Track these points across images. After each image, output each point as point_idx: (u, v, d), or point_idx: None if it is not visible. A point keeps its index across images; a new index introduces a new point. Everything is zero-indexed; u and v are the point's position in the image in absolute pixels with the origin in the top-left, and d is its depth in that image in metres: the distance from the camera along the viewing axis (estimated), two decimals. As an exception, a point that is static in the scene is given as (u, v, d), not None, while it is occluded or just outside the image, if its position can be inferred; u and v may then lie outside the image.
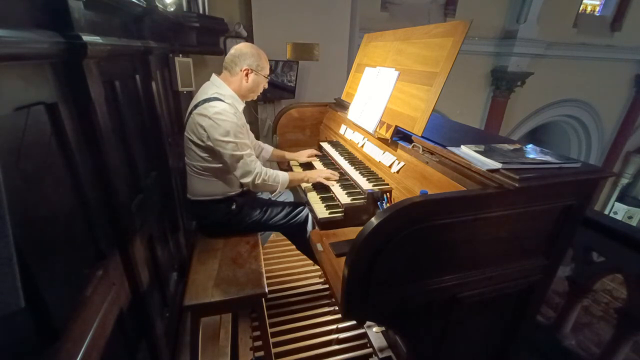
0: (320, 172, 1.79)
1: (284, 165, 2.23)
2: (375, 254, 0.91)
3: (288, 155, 2.13)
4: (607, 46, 6.75)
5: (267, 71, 1.71)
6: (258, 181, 1.63)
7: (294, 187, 1.83)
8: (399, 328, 1.19)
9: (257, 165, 1.64)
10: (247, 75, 1.64)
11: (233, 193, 1.75)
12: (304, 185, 1.82)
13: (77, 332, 0.68)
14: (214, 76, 1.69)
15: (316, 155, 2.09)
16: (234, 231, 1.78)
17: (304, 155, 2.07)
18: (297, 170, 2.02)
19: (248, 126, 1.84)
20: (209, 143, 1.56)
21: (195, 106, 1.57)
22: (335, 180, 1.72)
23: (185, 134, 1.63)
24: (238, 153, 1.56)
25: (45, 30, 0.65)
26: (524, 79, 6.13)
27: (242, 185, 1.77)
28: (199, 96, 1.62)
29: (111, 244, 0.91)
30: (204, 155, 1.61)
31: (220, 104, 1.54)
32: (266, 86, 1.79)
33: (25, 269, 0.52)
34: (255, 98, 1.79)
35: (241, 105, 1.71)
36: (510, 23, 5.91)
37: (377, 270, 0.94)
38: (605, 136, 7.90)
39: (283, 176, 1.72)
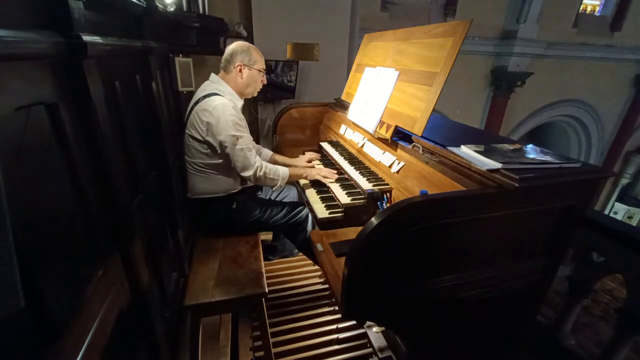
0: (320, 170, 1.81)
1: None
2: (375, 254, 0.91)
3: (287, 161, 2.11)
4: (607, 46, 6.76)
5: (260, 65, 1.74)
6: (260, 173, 1.65)
7: (293, 181, 1.85)
8: (399, 328, 1.19)
9: (257, 159, 1.67)
10: (240, 71, 1.68)
11: (234, 191, 1.76)
12: (302, 183, 1.82)
13: (77, 332, 0.68)
14: (213, 75, 1.74)
15: (317, 158, 2.08)
16: (234, 231, 1.78)
17: (302, 161, 2.05)
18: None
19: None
20: (209, 138, 1.58)
21: (196, 102, 1.61)
22: (333, 180, 1.72)
23: (186, 131, 1.65)
24: (238, 146, 1.58)
25: (45, 30, 0.65)
26: (524, 79, 6.14)
27: (242, 182, 1.78)
28: (199, 93, 1.66)
29: (111, 244, 0.91)
30: (205, 151, 1.63)
31: (220, 98, 1.59)
32: (265, 81, 1.81)
33: (25, 269, 0.52)
34: (255, 94, 1.81)
35: (240, 102, 1.74)
36: (510, 23, 5.91)
37: (377, 270, 0.94)
38: (605, 136, 7.90)
39: (283, 170, 1.74)
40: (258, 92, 1.83)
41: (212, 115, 1.54)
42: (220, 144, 1.57)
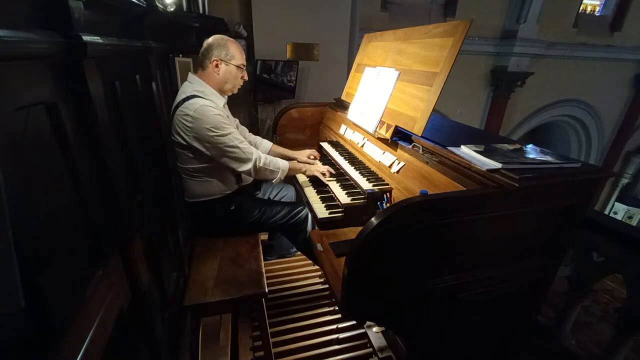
0: (318, 166, 1.80)
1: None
2: (375, 254, 0.91)
3: (289, 153, 2.09)
4: (607, 46, 6.75)
5: (239, 60, 1.64)
6: (260, 164, 1.61)
7: (292, 176, 1.83)
8: (399, 328, 1.19)
9: (253, 150, 1.63)
10: (217, 66, 1.60)
11: (230, 191, 1.74)
12: (301, 181, 1.82)
13: (77, 332, 0.68)
14: (190, 75, 1.66)
15: (317, 157, 2.07)
16: (234, 231, 1.77)
17: (304, 155, 2.04)
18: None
19: (238, 121, 1.81)
20: (195, 144, 1.53)
21: (176, 107, 1.55)
22: (331, 177, 1.72)
23: (172, 137, 1.60)
24: (231, 143, 1.54)
25: (45, 30, 0.65)
26: (524, 79, 6.13)
27: (238, 181, 1.76)
28: (179, 96, 1.59)
29: (111, 244, 0.91)
30: (191, 156, 1.59)
31: (200, 100, 1.52)
32: (245, 77, 1.72)
33: (25, 269, 0.52)
34: (234, 91, 1.73)
35: (221, 101, 1.67)
36: (510, 23, 5.91)
37: (377, 271, 0.94)
38: (605, 136, 7.90)
39: (283, 163, 1.71)
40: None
41: (195, 120, 1.48)
42: (211, 146, 1.53)
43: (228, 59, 1.61)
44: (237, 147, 1.56)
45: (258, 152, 1.65)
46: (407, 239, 0.92)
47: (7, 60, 0.53)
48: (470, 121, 5.93)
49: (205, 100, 1.54)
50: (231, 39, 1.65)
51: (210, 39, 1.62)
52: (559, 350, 1.67)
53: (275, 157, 2.12)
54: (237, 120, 1.80)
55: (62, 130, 0.70)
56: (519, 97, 6.46)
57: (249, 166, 1.60)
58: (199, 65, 1.64)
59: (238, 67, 1.65)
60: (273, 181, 1.73)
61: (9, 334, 0.51)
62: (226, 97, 1.73)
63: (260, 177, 1.71)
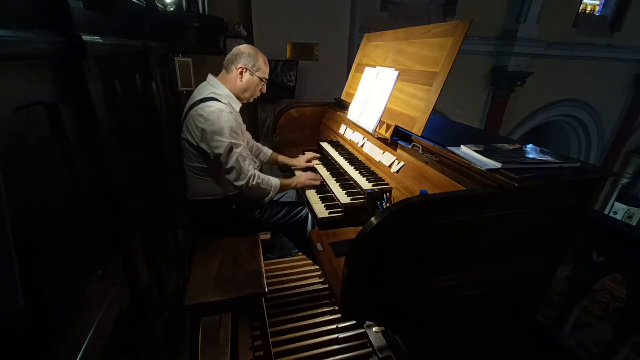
0: (307, 175, 1.82)
1: (285, 169, 2.21)
2: (375, 254, 0.91)
3: (287, 160, 2.10)
4: (607, 46, 6.75)
5: (263, 74, 1.70)
6: (253, 183, 1.62)
7: (284, 191, 1.84)
8: (398, 328, 1.19)
9: (251, 168, 1.64)
10: (241, 74, 1.65)
11: (233, 193, 1.74)
12: None
13: (77, 332, 0.68)
14: (210, 76, 1.69)
15: (316, 157, 2.07)
16: (234, 231, 1.77)
17: (302, 161, 2.04)
18: (299, 174, 2.00)
19: (244, 127, 1.83)
20: (203, 145, 1.54)
21: (192, 106, 1.57)
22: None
23: (182, 135, 1.62)
24: (233, 155, 1.55)
25: (45, 30, 0.65)
26: (524, 79, 6.13)
27: None
28: (195, 96, 1.61)
29: (111, 244, 0.91)
30: (199, 155, 1.60)
31: (217, 104, 1.54)
32: (264, 90, 1.77)
33: (25, 269, 0.52)
34: (251, 100, 1.78)
35: (238, 106, 1.71)
36: (510, 23, 5.91)
37: (377, 271, 0.94)
38: (605, 136, 7.90)
39: (275, 181, 1.72)
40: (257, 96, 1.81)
41: (207, 122, 1.50)
42: (214, 151, 1.53)
43: (254, 70, 1.66)
44: (238, 161, 1.56)
45: (254, 171, 1.65)
46: (407, 239, 0.92)
47: (7, 60, 0.53)
48: (470, 121, 5.94)
49: (222, 105, 1.55)
50: (260, 52, 1.70)
51: (242, 47, 1.66)
52: (559, 350, 1.67)
53: (274, 163, 2.14)
54: (244, 126, 1.81)
55: (62, 130, 0.70)
56: (519, 97, 6.46)
57: (242, 182, 1.60)
58: (224, 68, 1.68)
59: (261, 79, 1.70)
60: (265, 200, 1.73)
61: (9, 334, 0.51)
62: (241, 104, 1.75)
63: (251, 194, 1.68)
